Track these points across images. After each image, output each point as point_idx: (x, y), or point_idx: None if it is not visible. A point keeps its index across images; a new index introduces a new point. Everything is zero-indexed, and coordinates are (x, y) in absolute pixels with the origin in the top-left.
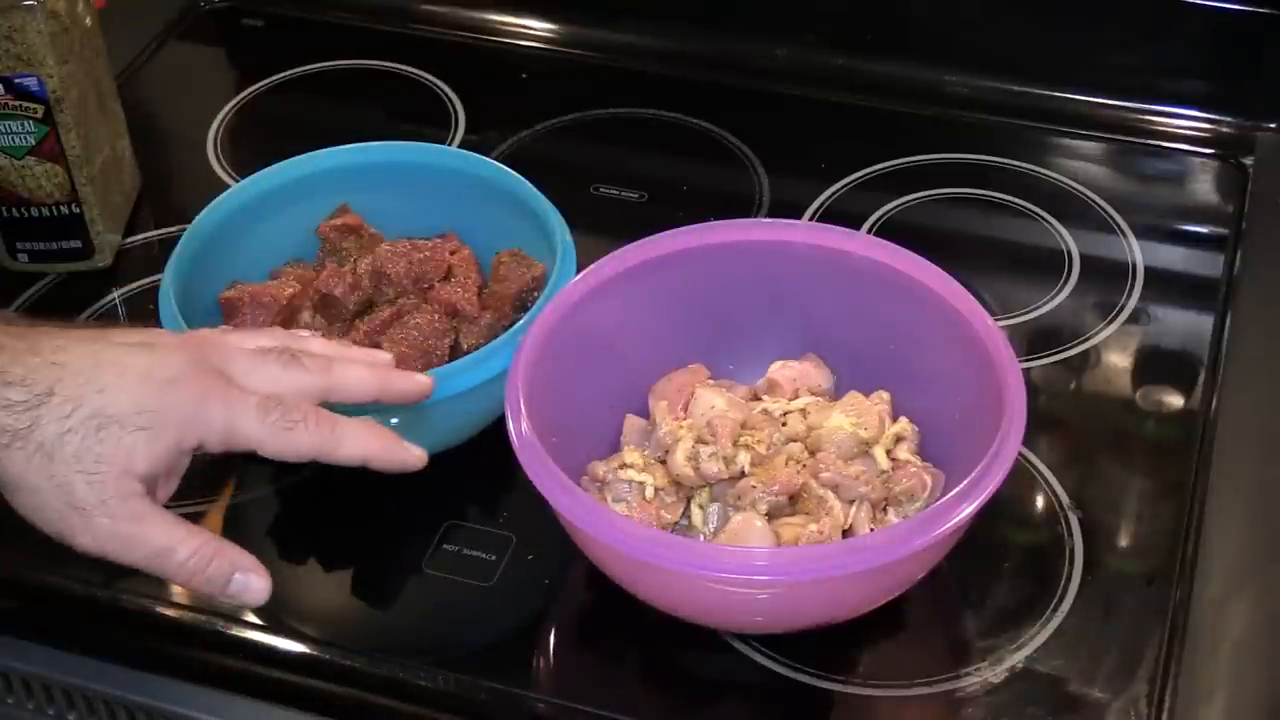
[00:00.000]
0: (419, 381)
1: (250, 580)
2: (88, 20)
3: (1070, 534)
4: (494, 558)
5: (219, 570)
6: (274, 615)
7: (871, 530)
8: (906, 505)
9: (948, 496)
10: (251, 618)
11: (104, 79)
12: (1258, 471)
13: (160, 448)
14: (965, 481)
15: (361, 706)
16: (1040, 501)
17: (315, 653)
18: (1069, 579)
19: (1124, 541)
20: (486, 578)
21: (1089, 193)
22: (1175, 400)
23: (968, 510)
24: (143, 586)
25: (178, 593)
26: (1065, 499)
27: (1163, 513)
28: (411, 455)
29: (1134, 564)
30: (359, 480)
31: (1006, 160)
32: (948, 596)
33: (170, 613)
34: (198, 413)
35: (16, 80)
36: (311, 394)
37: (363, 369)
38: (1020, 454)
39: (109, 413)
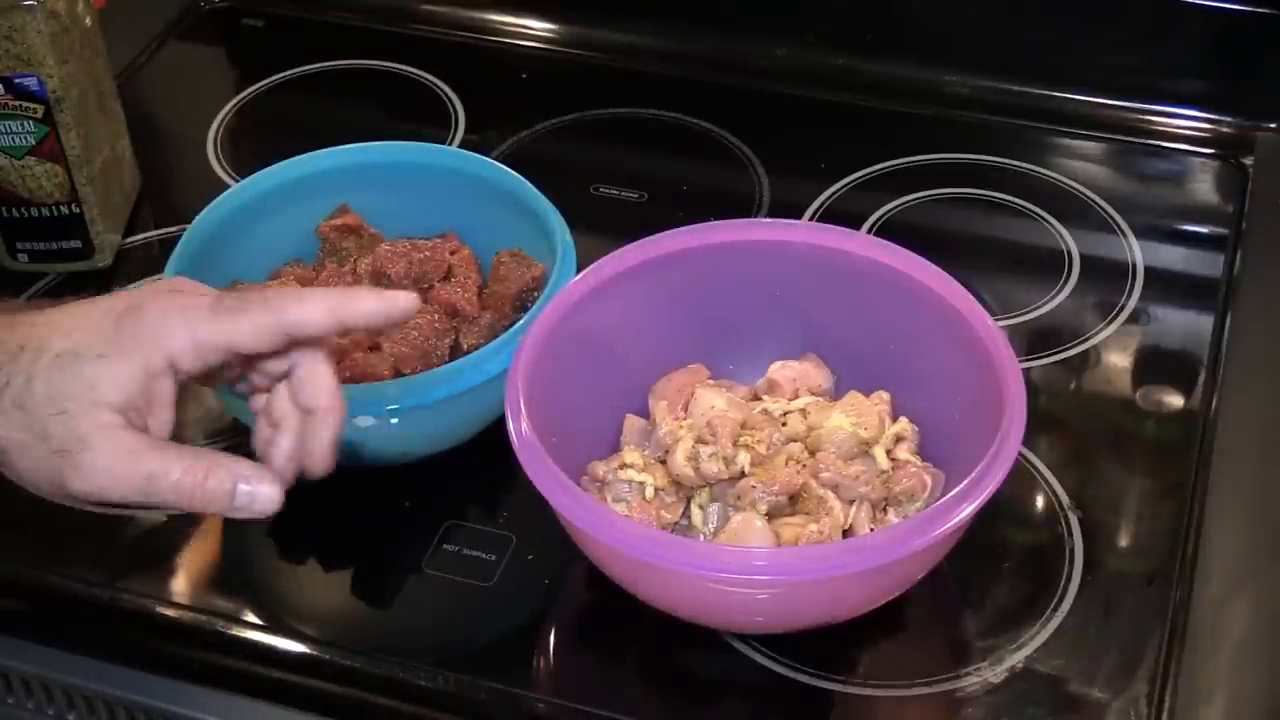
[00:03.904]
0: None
1: (258, 489)
2: (88, 20)
3: (1070, 534)
4: (494, 558)
5: (218, 483)
6: (274, 615)
7: (871, 530)
8: (906, 505)
9: (948, 496)
10: (251, 618)
11: (104, 79)
12: (1258, 471)
13: (125, 372)
14: (965, 481)
15: (361, 706)
16: (1040, 501)
17: (315, 653)
18: (1069, 579)
19: (1124, 541)
20: (486, 578)
21: (1089, 193)
22: (1175, 400)
23: (968, 510)
24: (143, 586)
25: (178, 592)
26: (1065, 499)
27: (1163, 513)
28: (400, 301)
29: (1134, 564)
30: (359, 480)
31: (1006, 160)
32: (948, 596)
33: (170, 613)
34: (158, 330)
35: (16, 80)
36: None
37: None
38: (1020, 454)
39: (70, 350)
